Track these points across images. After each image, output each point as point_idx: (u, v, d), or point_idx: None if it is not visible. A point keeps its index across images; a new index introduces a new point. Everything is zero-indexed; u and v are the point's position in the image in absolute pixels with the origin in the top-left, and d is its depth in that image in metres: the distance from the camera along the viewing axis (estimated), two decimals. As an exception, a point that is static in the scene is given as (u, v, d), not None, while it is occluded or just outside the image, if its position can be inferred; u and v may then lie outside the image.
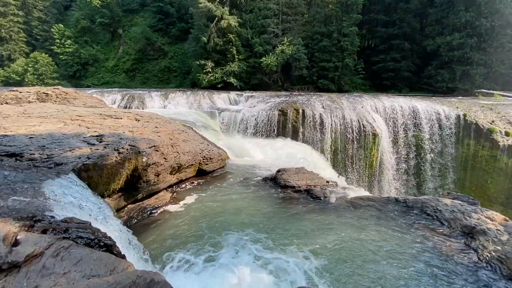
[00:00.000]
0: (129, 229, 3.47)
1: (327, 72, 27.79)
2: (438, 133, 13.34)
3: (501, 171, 12.63)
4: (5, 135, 4.29)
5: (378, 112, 13.65)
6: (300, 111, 12.59)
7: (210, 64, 26.88)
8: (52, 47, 34.54)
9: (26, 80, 32.28)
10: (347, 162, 12.70)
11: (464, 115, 13.26)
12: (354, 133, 12.63)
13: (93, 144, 4.33)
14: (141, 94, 16.20)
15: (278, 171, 6.90)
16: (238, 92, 19.26)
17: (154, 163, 5.05)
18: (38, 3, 38.51)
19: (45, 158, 3.55)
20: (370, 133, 12.64)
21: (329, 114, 12.72)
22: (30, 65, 33.08)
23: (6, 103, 8.72)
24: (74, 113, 6.88)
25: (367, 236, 4.28)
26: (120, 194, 4.59)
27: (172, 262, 3.65)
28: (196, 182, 6.72)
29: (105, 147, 4.26)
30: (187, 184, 6.55)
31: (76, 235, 2.21)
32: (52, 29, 35.50)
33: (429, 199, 5.29)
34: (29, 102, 9.01)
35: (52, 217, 2.36)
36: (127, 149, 4.43)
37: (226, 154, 8.34)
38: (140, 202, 5.15)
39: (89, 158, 3.76)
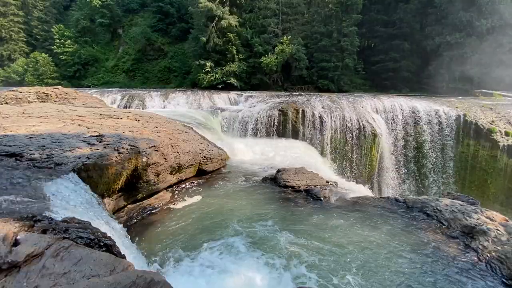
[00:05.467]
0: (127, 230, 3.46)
1: (327, 72, 27.80)
2: (438, 133, 13.33)
3: (501, 171, 12.63)
4: (5, 135, 4.29)
5: (378, 112, 13.65)
6: (300, 111, 12.59)
7: (210, 64, 26.89)
8: (52, 47, 34.53)
9: (26, 80, 32.28)
10: (347, 162, 12.70)
11: (464, 115, 13.25)
12: (354, 133, 12.62)
13: (93, 144, 4.32)
14: (141, 94, 16.19)
15: (278, 171, 6.90)
16: (238, 92, 19.25)
17: (154, 163, 5.05)
18: (38, 3, 38.51)
19: (45, 158, 3.55)
20: (370, 133, 12.63)
21: (329, 114, 12.71)
22: (30, 65, 33.08)
23: (6, 103, 8.72)
24: (74, 113, 6.87)
25: (367, 236, 4.27)
26: (120, 194, 4.59)
27: (172, 262, 3.65)
28: (196, 182, 6.72)
29: (105, 147, 4.26)
30: (187, 184, 6.55)
31: (76, 235, 2.21)
32: (52, 29, 35.51)
33: (429, 199, 5.29)
34: (29, 102, 9.00)
35: (52, 217, 2.36)
36: (127, 149, 4.43)
37: (226, 154, 8.34)
38: (140, 202, 5.15)
39: (89, 158, 3.76)
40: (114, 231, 3.06)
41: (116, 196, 4.50)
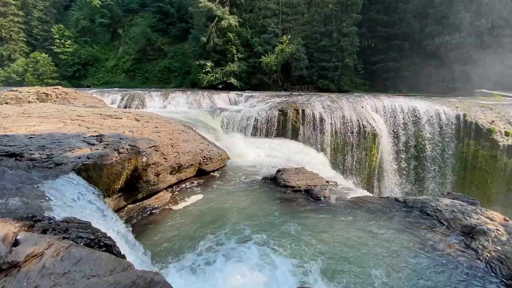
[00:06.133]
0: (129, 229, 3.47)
1: (327, 72, 27.81)
2: (438, 133, 13.33)
3: (501, 171, 12.63)
4: (5, 135, 4.29)
5: (378, 112, 13.65)
6: (300, 111, 12.59)
7: (210, 64, 26.89)
8: (52, 47, 34.55)
9: (26, 80, 32.29)
10: (347, 162, 12.70)
11: (464, 115, 13.25)
12: (354, 133, 12.62)
13: (93, 144, 4.32)
14: (141, 94, 16.19)
15: (278, 171, 6.90)
16: (238, 92, 19.25)
17: (154, 163, 5.05)
18: (38, 3, 38.53)
19: (45, 158, 3.55)
20: (370, 133, 12.63)
21: (329, 114, 12.71)
22: (30, 65, 33.09)
23: (6, 103, 8.72)
24: (74, 113, 6.87)
25: (366, 236, 4.27)
26: (120, 194, 4.59)
27: (171, 262, 3.65)
28: (196, 182, 6.72)
29: (105, 147, 4.26)
30: (187, 184, 6.55)
31: (76, 235, 2.22)
32: (52, 29, 35.52)
33: (429, 199, 5.29)
34: (29, 102, 9.00)
35: (52, 217, 2.36)
36: (127, 149, 4.43)
37: (226, 154, 8.34)
38: (140, 202, 5.14)
39: (89, 158, 3.76)
40: (118, 231, 3.06)
41: (116, 196, 4.50)
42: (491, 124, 12.96)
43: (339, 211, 5.17)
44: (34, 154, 3.61)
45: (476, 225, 4.15)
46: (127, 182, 4.58)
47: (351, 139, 12.61)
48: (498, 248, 3.68)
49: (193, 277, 3.41)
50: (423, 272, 3.46)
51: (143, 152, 4.75)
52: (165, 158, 5.43)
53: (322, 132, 12.43)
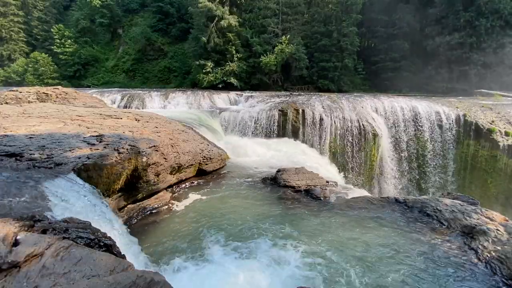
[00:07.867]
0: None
1: (327, 72, 27.79)
2: (438, 133, 13.33)
3: (501, 171, 12.62)
4: (5, 135, 4.29)
5: (378, 112, 13.65)
6: (300, 111, 12.58)
7: (210, 64, 26.87)
8: (52, 47, 34.54)
9: (26, 80, 32.29)
10: (347, 162, 12.70)
11: (464, 115, 13.25)
12: (354, 133, 12.62)
13: (93, 144, 4.33)
14: (141, 94, 16.19)
15: (278, 171, 6.90)
16: (238, 92, 19.24)
17: (154, 163, 5.05)
18: (38, 3, 38.54)
19: (45, 158, 3.55)
20: (370, 133, 12.63)
21: (329, 114, 12.71)
22: (30, 65, 33.10)
23: (6, 103, 8.72)
24: (74, 113, 6.87)
25: (367, 236, 4.27)
26: (120, 194, 4.59)
27: (171, 262, 3.65)
28: (196, 182, 6.72)
29: (105, 147, 4.26)
30: (187, 184, 6.55)
31: (76, 235, 2.21)
32: (52, 29, 35.52)
33: (429, 199, 5.29)
34: (29, 102, 9.01)
35: (52, 217, 2.36)
36: (127, 149, 4.43)
37: (226, 154, 8.34)
38: (140, 202, 5.15)
39: (89, 158, 3.76)
40: (116, 231, 3.06)
41: (116, 196, 4.50)
42: (491, 124, 12.95)
43: (339, 211, 5.17)
44: (34, 154, 3.61)
45: (476, 225, 4.15)
46: (127, 182, 4.58)
47: (351, 139, 12.60)
48: (498, 248, 3.68)
49: (193, 276, 3.41)
50: (423, 272, 3.45)
51: (143, 152, 4.75)
52: (165, 158, 5.43)
53: (322, 132, 12.43)
